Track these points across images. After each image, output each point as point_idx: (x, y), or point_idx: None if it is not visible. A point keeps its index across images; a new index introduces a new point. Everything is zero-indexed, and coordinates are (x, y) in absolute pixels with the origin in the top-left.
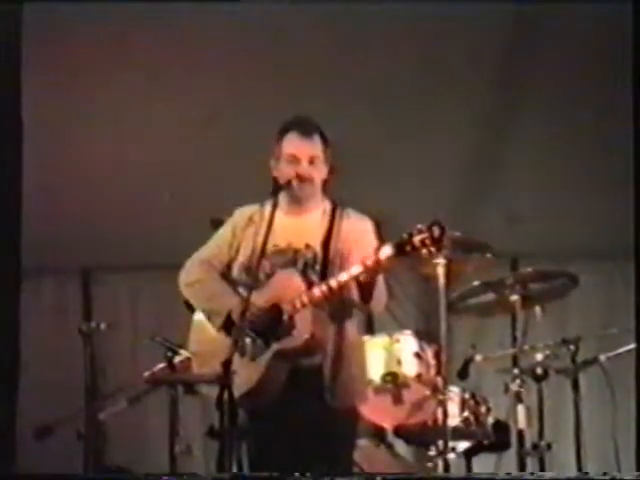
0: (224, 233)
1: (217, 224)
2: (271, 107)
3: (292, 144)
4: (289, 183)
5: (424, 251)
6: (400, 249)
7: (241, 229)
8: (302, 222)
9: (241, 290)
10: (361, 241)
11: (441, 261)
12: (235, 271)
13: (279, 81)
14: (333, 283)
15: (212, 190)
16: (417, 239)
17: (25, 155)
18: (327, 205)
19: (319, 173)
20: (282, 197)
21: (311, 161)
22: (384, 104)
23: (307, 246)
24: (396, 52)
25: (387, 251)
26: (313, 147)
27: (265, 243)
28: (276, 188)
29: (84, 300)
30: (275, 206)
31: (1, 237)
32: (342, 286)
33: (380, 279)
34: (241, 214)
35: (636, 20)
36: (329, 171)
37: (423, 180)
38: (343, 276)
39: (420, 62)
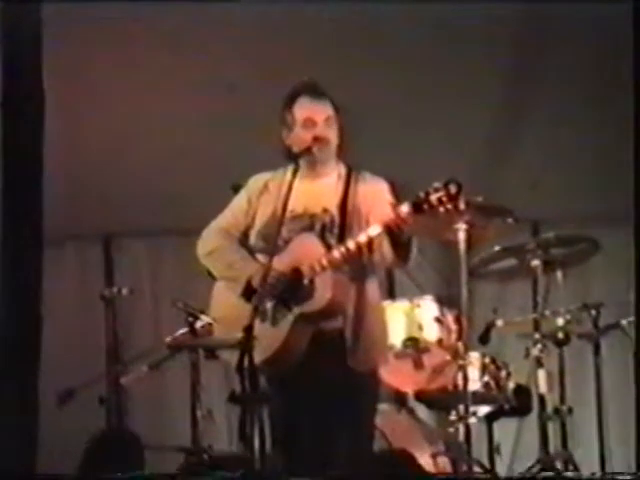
0: (240, 201)
1: (238, 190)
2: (289, 74)
3: (306, 108)
4: (309, 149)
5: (441, 209)
6: (417, 207)
7: (256, 196)
8: (318, 187)
9: (259, 257)
10: (378, 201)
11: (462, 226)
12: (252, 238)
13: (295, 48)
14: (351, 244)
15: (232, 156)
16: (434, 197)
17: (47, 123)
18: (342, 169)
19: (335, 135)
20: (299, 166)
21: (327, 122)
22: (404, 68)
23: (324, 210)
24: (415, 14)
25: (405, 209)
26: (326, 108)
27: (284, 209)
28: (296, 155)
29: (106, 266)
30: (295, 172)
31: (23, 205)
32: (361, 248)
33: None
34: (255, 182)
35: (636, 20)
36: (340, 134)
37: (443, 145)
38: (362, 237)
39: (440, 24)
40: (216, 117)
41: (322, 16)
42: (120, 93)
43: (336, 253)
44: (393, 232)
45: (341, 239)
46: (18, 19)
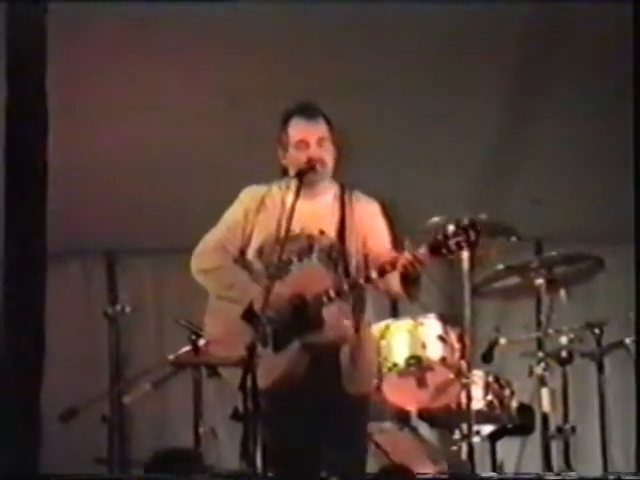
0: (235, 216)
1: None
2: (290, 91)
3: (299, 129)
4: (304, 171)
5: (458, 253)
6: (435, 251)
7: (253, 213)
8: (314, 207)
9: (259, 278)
10: (373, 225)
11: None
12: (249, 256)
13: (297, 65)
14: (362, 280)
15: (235, 175)
16: (452, 242)
17: (50, 141)
18: (336, 188)
19: (329, 155)
20: (294, 182)
21: (320, 143)
22: (405, 82)
23: (321, 232)
24: (414, 37)
25: (422, 251)
26: (320, 129)
27: (287, 232)
28: (293, 176)
29: (109, 284)
30: (296, 192)
31: (27, 222)
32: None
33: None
34: (251, 196)
35: (636, 20)
36: (337, 153)
37: (447, 164)
38: (372, 274)
39: (441, 45)
40: (220, 134)
41: (321, 27)
42: (125, 109)
43: (345, 286)
44: (408, 272)
45: (342, 264)
46: (22, 27)
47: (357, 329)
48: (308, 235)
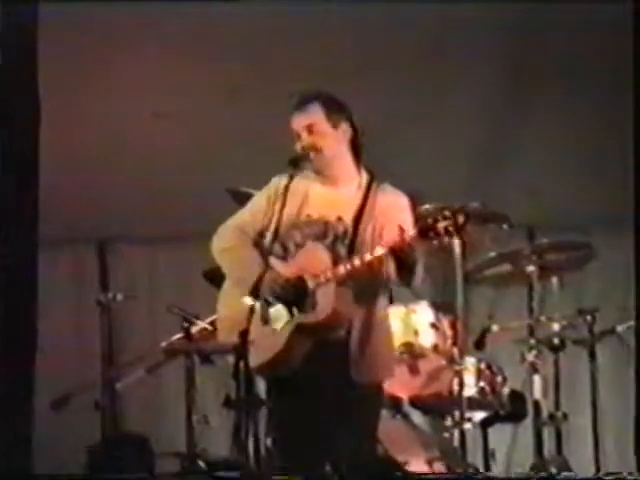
0: (259, 201)
1: (233, 195)
2: (290, 77)
3: (293, 122)
4: (301, 158)
5: (447, 238)
6: (424, 233)
7: (276, 199)
8: (337, 194)
9: (271, 259)
10: (396, 218)
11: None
12: (267, 240)
13: (296, 60)
14: (357, 262)
15: (229, 162)
16: (441, 225)
17: (43, 128)
18: (364, 178)
19: (324, 139)
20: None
21: (309, 130)
22: (399, 74)
23: (339, 219)
24: (414, 19)
25: (411, 234)
26: (307, 117)
27: (298, 214)
28: (295, 160)
29: (101, 271)
30: (289, 182)
31: (19, 209)
32: (371, 264)
33: (421, 264)
34: (277, 184)
35: (636, 20)
36: (353, 136)
37: (442, 155)
38: (367, 256)
39: (438, 28)
40: (215, 122)
41: (319, 20)
42: (117, 97)
43: (341, 268)
44: (398, 254)
45: (351, 251)
46: (15, 19)
47: (366, 314)
48: (325, 221)
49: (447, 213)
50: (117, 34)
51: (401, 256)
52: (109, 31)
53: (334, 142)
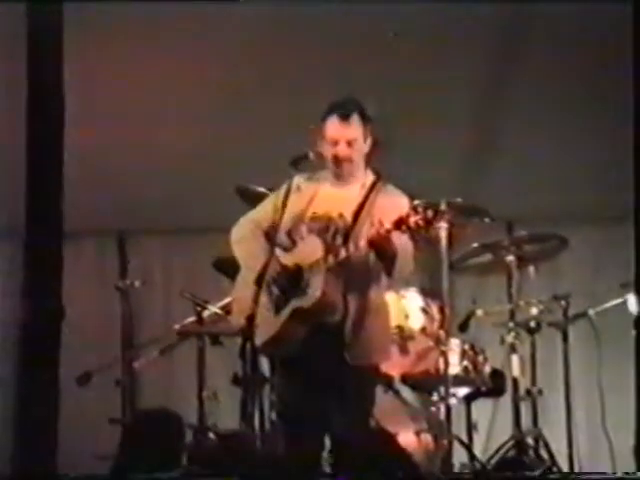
0: (274, 198)
1: (242, 192)
2: (296, 77)
3: (332, 128)
4: (332, 164)
5: (417, 231)
6: (397, 226)
7: (288, 196)
8: (342, 193)
9: (278, 250)
10: (393, 217)
11: (443, 225)
12: (279, 233)
13: (306, 56)
14: (343, 253)
15: (242, 158)
16: (412, 220)
17: (66, 124)
18: (369, 178)
19: (358, 153)
20: (327, 172)
21: (349, 144)
22: (386, 80)
23: (340, 215)
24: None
25: (387, 227)
26: (350, 130)
27: (305, 210)
28: (296, 161)
29: (120, 260)
30: (322, 179)
31: (44, 204)
32: (358, 254)
33: (406, 256)
34: (291, 183)
35: (636, 20)
36: (372, 145)
37: (427, 154)
38: (351, 247)
39: (423, 22)
40: (230, 120)
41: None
42: (137, 94)
43: (330, 258)
44: (377, 246)
45: (345, 244)
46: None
47: (360, 301)
48: (328, 217)
49: (419, 207)
50: (134, 28)
51: (379, 248)
52: (127, 26)
53: (362, 154)
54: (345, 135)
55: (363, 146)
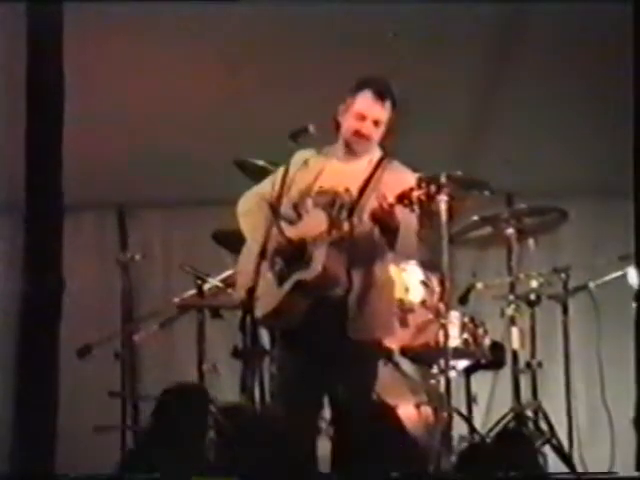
0: (281, 172)
1: (241, 165)
2: (291, 56)
3: (364, 103)
4: (351, 136)
5: (419, 205)
6: (399, 200)
7: (295, 170)
8: (350, 168)
9: (282, 223)
10: (398, 191)
11: (443, 198)
12: (284, 206)
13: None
14: (346, 226)
15: (242, 131)
16: (415, 194)
17: (66, 97)
18: (376, 154)
19: (379, 134)
20: (339, 146)
21: (375, 123)
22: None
23: (346, 190)
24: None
25: (390, 201)
26: (381, 112)
27: (312, 184)
28: (295, 134)
29: (121, 234)
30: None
31: (44, 177)
32: (361, 228)
33: (409, 230)
34: (299, 157)
35: (636, 20)
36: (387, 131)
37: (428, 127)
38: (355, 221)
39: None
40: (230, 94)
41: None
42: (138, 67)
43: (333, 231)
44: (379, 220)
45: (348, 218)
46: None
47: (365, 275)
48: (335, 192)
49: (422, 182)
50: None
51: (382, 222)
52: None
53: (380, 135)
54: (374, 114)
55: (383, 130)
